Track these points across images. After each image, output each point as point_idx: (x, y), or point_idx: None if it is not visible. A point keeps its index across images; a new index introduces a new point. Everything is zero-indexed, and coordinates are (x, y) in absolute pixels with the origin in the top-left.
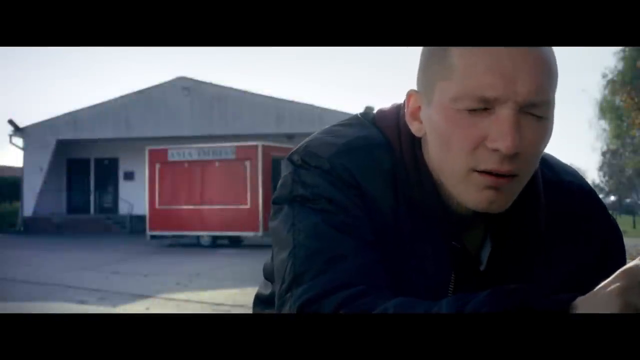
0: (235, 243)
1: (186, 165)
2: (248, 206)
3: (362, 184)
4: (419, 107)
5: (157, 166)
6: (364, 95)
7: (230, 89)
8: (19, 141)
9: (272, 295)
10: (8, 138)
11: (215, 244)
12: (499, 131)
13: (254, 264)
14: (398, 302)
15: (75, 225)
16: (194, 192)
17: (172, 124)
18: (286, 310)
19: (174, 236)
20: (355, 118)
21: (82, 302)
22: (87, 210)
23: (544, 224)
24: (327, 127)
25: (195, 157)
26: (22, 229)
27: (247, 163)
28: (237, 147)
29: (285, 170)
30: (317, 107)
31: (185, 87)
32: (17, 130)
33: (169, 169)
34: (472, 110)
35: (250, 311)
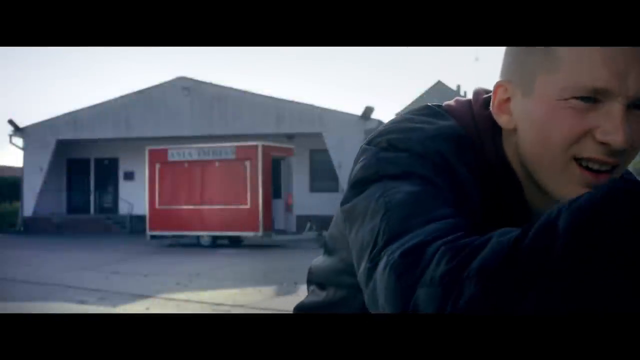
0: (235, 243)
1: (186, 165)
2: (248, 206)
3: (455, 169)
4: (509, 99)
5: (157, 166)
6: (364, 95)
7: (230, 89)
8: (19, 141)
9: (323, 302)
10: (8, 138)
11: (215, 244)
12: (612, 125)
13: (254, 264)
14: (499, 231)
15: (75, 225)
16: (194, 192)
17: (172, 124)
18: (381, 266)
19: (174, 236)
20: (430, 108)
21: (82, 302)
22: (87, 210)
23: None
24: (402, 115)
25: (195, 157)
26: (22, 229)
27: (247, 163)
28: (237, 147)
29: (362, 154)
30: (317, 107)
31: (185, 87)
32: (17, 130)
33: (169, 169)
34: (580, 104)
35: (249, 311)
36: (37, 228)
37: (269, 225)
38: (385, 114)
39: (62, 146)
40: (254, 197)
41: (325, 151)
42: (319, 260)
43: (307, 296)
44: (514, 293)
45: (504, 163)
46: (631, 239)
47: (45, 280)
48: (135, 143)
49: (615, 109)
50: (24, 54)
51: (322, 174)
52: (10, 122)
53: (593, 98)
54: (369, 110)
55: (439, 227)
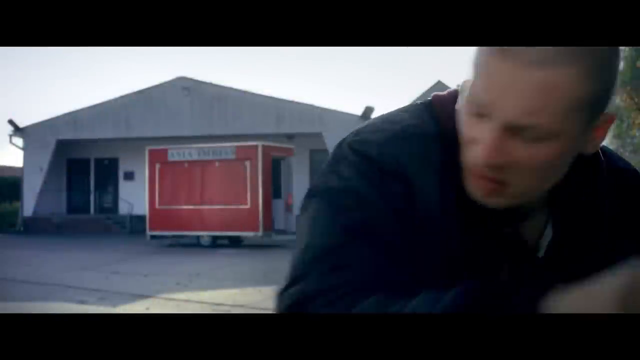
0: (235, 243)
1: (186, 165)
2: (248, 206)
3: (409, 174)
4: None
5: (157, 166)
6: (364, 95)
7: (230, 89)
8: (19, 141)
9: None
10: (8, 138)
11: (215, 244)
12: (481, 140)
13: (254, 264)
14: (374, 300)
15: (75, 225)
16: (194, 192)
17: (172, 124)
18: (276, 307)
19: (174, 236)
20: (412, 105)
21: (82, 302)
22: (87, 210)
23: (608, 212)
24: (386, 112)
25: (195, 157)
26: (22, 229)
27: (247, 163)
28: (237, 147)
29: (331, 153)
30: (317, 107)
31: (185, 87)
32: (17, 130)
33: (169, 169)
34: (472, 118)
35: (249, 311)
36: (37, 228)
37: (269, 225)
38: None
39: (62, 146)
40: (254, 197)
41: (325, 151)
42: None
43: None
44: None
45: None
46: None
47: (45, 280)
48: (135, 143)
49: (488, 126)
50: (24, 54)
51: None
52: (10, 122)
53: (481, 110)
54: (369, 110)
55: (334, 281)
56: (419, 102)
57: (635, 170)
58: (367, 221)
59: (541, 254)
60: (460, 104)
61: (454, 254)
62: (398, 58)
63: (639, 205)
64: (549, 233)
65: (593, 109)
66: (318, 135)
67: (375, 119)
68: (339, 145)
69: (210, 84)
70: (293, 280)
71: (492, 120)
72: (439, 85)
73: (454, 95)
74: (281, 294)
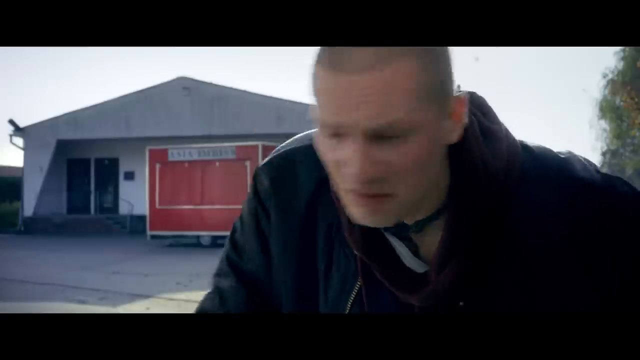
0: None
1: (186, 165)
2: None
3: (273, 198)
4: None
5: (158, 166)
6: None
7: (230, 89)
8: (19, 141)
9: None
10: (8, 138)
11: (215, 244)
12: (347, 159)
13: None
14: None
15: (75, 225)
16: (194, 192)
17: (172, 124)
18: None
19: (174, 236)
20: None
21: (82, 302)
22: (87, 210)
23: (526, 228)
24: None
25: (195, 157)
26: (22, 229)
27: (247, 163)
28: (237, 147)
29: None
30: None
31: (185, 87)
32: (17, 130)
33: (169, 169)
34: (330, 140)
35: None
36: (37, 228)
37: None
38: None
39: (62, 146)
40: None
41: None
42: None
43: None
44: None
45: None
46: None
47: (45, 280)
48: (136, 143)
49: (349, 143)
50: (24, 54)
51: None
52: (11, 122)
53: (335, 134)
54: None
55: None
56: None
57: (569, 176)
58: (239, 251)
59: (425, 268)
60: (316, 133)
61: (313, 278)
62: None
63: (568, 220)
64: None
65: (438, 94)
66: None
67: (296, 136)
68: (262, 164)
69: (211, 84)
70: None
71: (351, 135)
72: None
73: None
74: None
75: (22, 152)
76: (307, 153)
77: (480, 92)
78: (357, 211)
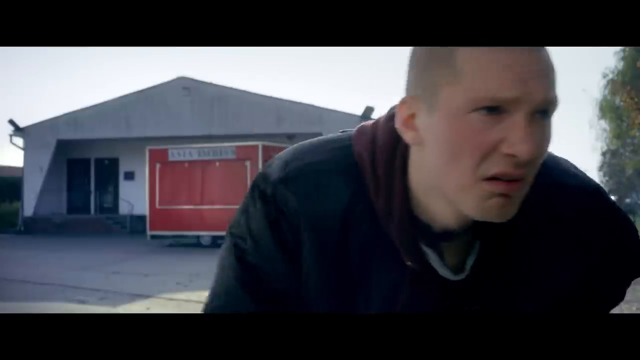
0: None
1: (186, 165)
2: None
3: (301, 212)
4: (414, 115)
5: (157, 166)
6: (364, 95)
7: (230, 89)
8: (19, 141)
9: None
10: (8, 138)
11: (215, 244)
12: (517, 136)
13: None
14: None
15: (75, 225)
16: (194, 192)
17: (172, 124)
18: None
19: (174, 236)
20: (334, 137)
21: (82, 302)
22: (87, 210)
23: (532, 232)
24: (311, 140)
25: (195, 157)
26: (22, 229)
27: (247, 163)
28: (237, 147)
29: (253, 181)
30: (317, 107)
31: (185, 87)
32: (17, 130)
33: (169, 169)
34: (485, 115)
35: None
36: (37, 228)
37: None
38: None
39: (62, 146)
40: None
41: None
42: None
43: None
44: None
45: (392, 186)
46: None
47: (45, 280)
48: (135, 143)
49: (519, 118)
50: (24, 54)
51: None
52: (11, 122)
53: (497, 108)
54: (369, 110)
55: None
56: (332, 137)
57: (581, 186)
58: (257, 270)
59: (463, 275)
60: (431, 123)
61: (353, 292)
62: (398, 58)
63: (578, 225)
64: (474, 253)
65: None
66: (318, 135)
67: (292, 148)
68: (255, 178)
69: (211, 84)
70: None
71: (519, 111)
72: None
73: (376, 122)
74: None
75: (22, 152)
76: (336, 162)
77: None
78: (489, 204)
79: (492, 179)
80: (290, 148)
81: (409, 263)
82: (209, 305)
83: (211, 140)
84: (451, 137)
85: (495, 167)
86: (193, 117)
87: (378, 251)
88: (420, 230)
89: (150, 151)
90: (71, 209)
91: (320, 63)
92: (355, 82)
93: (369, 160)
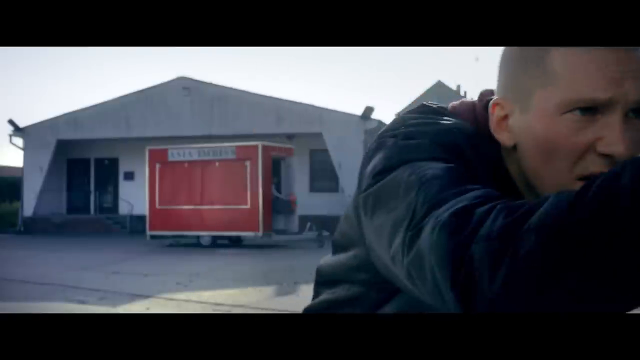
0: (235, 243)
1: (186, 165)
2: (248, 206)
3: (472, 163)
4: (506, 116)
5: (157, 166)
6: (364, 95)
7: (230, 89)
8: (19, 141)
9: (336, 300)
10: (8, 138)
11: (215, 244)
12: (613, 136)
13: (254, 264)
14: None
15: (75, 225)
16: (194, 192)
17: (172, 124)
18: (428, 229)
19: (174, 236)
20: (432, 108)
21: (82, 302)
22: (87, 210)
23: None
24: (408, 114)
25: (195, 157)
26: (22, 229)
27: (247, 163)
28: (237, 147)
29: (379, 148)
30: (317, 107)
31: (185, 87)
32: (17, 130)
33: (169, 169)
34: (579, 116)
35: (249, 311)
36: (37, 228)
37: (269, 225)
38: (385, 114)
39: (62, 146)
40: (254, 197)
41: (325, 151)
42: (329, 259)
43: (317, 297)
44: (576, 249)
45: (504, 172)
46: None
47: (45, 280)
48: (135, 143)
49: (614, 118)
50: (24, 54)
51: (322, 174)
52: (10, 122)
53: (592, 109)
54: (369, 110)
55: (482, 194)
56: (427, 109)
57: None
58: (470, 176)
59: None
60: (521, 121)
61: None
62: (398, 58)
63: None
64: None
65: None
66: (318, 135)
67: (405, 118)
68: (392, 136)
69: (210, 84)
70: (427, 212)
71: (614, 111)
72: (439, 85)
73: (471, 108)
74: (417, 226)
75: (22, 152)
76: (469, 127)
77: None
78: None
79: (589, 178)
80: (409, 115)
81: None
82: (425, 195)
83: (211, 140)
84: (545, 138)
85: (591, 166)
86: (193, 117)
87: None
88: None
89: (150, 151)
90: (71, 209)
91: (320, 63)
92: (355, 82)
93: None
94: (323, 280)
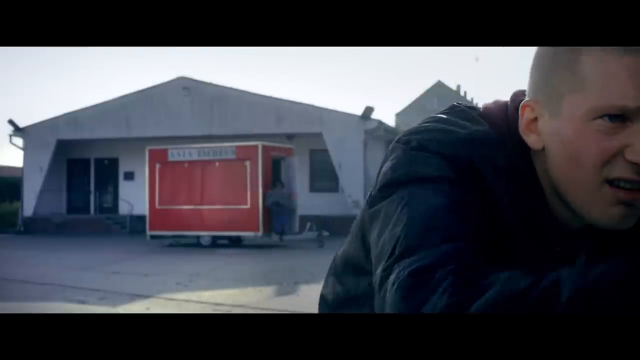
0: (235, 243)
1: (186, 165)
2: (248, 206)
3: (483, 176)
4: (536, 119)
5: (157, 166)
6: (364, 95)
7: (230, 89)
8: (19, 141)
9: (349, 293)
10: (8, 138)
11: (215, 244)
12: (638, 143)
13: (254, 264)
14: (507, 274)
15: (75, 225)
16: (194, 192)
17: (172, 124)
18: (391, 280)
19: (174, 236)
20: (463, 110)
21: (82, 302)
22: (87, 210)
23: None
24: (434, 115)
25: (195, 157)
26: (22, 229)
27: (247, 163)
28: (237, 147)
29: (392, 152)
30: (317, 107)
31: (185, 87)
32: (17, 130)
33: (169, 169)
34: (608, 122)
35: (249, 311)
36: (37, 228)
37: (269, 225)
38: (385, 114)
39: (62, 146)
40: (254, 197)
41: (325, 151)
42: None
43: (332, 286)
44: None
45: (531, 173)
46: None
47: (45, 280)
48: (135, 143)
49: (638, 126)
50: (24, 54)
51: (322, 174)
52: (10, 122)
53: (621, 116)
54: (369, 110)
55: (452, 250)
56: (458, 111)
57: None
58: (467, 207)
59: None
60: (552, 125)
61: (510, 261)
62: (398, 58)
63: None
64: (583, 254)
65: None
66: (318, 135)
67: (429, 122)
68: (407, 142)
69: (210, 84)
70: (401, 254)
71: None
72: (439, 85)
73: (504, 109)
74: (389, 268)
75: (22, 152)
76: (490, 134)
77: (480, 92)
78: (612, 211)
79: (615, 184)
80: (430, 120)
81: (558, 249)
82: (406, 234)
83: (211, 140)
84: (574, 143)
85: (618, 171)
86: (193, 117)
87: (531, 229)
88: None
89: (150, 151)
90: (71, 209)
91: (320, 63)
92: (355, 82)
93: (509, 145)
94: (339, 269)
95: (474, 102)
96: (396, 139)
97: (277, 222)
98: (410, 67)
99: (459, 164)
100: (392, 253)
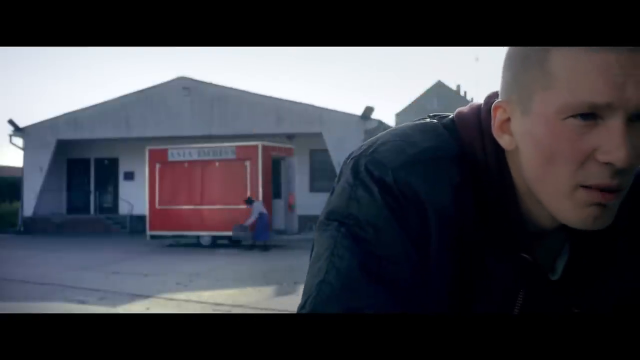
0: (235, 243)
1: (186, 165)
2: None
3: (426, 200)
4: (509, 119)
5: (157, 166)
6: (364, 95)
7: (230, 89)
8: (19, 141)
9: None
10: (8, 138)
11: (215, 244)
12: (613, 143)
13: (254, 264)
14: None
15: (75, 225)
16: (194, 192)
17: (172, 124)
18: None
19: (174, 236)
20: (429, 124)
21: (82, 302)
22: (87, 210)
23: (623, 233)
24: (401, 126)
25: (195, 157)
26: (22, 229)
27: (247, 163)
28: (237, 147)
29: (342, 176)
30: (317, 107)
31: (185, 87)
32: (17, 130)
33: (169, 169)
34: (580, 122)
35: (249, 311)
36: (37, 228)
37: (269, 225)
38: (385, 114)
39: (62, 146)
40: (254, 197)
41: (325, 151)
42: None
43: None
44: None
45: (504, 180)
46: None
47: (45, 280)
48: (135, 143)
49: (615, 124)
50: (24, 54)
51: (322, 174)
52: (10, 122)
53: (593, 115)
54: (369, 110)
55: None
56: (437, 120)
57: None
58: (384, 261)
59: (557, 276)
60: (521, 126)
61: (471, 281)
62: (398, 58)
63: None
64: (564, 254)
65: None
66: (318, 135)
67: (393, 134)
68: (355, 163)
69: (210, 84)
70: (311, 308)
71: (615, 117)
72: (439, 85)
73: (476, 112)
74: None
75: (22, 152)
76: (449, 149)
77: (480, 92)
78: (584, 212)
79: (590, 188)
80: (390, 133)
81: (524, 255)
82: (316, 294)
83: (211, 140)
84: (546, 143)
85: (592, 177)
86: (193, 117)
87: (489, 242)
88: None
89: (150, 151)
90: (71, 209)
91: (320, 63)
92: (355, 82)
93: (480, 149)
94: None
95: (474, 102)
96: (351, 154)
97: (264, 232)
98: (410, 67)
99: (397, 192)
100: (305, 302)
